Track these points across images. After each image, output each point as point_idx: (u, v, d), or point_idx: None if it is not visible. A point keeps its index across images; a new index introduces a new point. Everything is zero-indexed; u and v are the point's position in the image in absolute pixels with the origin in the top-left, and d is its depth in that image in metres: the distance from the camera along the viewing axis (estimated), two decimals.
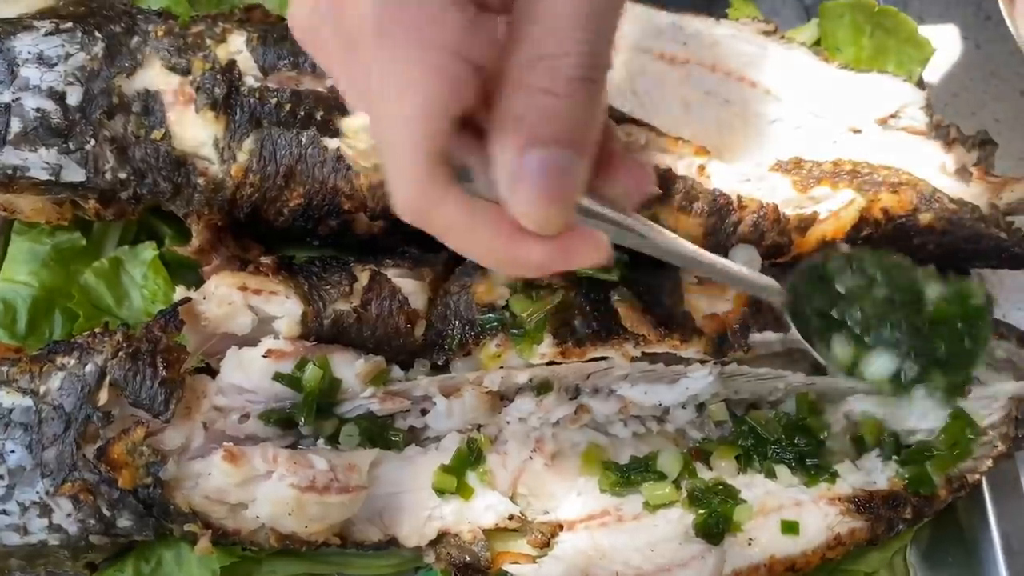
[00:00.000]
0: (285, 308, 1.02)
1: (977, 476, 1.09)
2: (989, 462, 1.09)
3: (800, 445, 1.09)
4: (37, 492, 0.95)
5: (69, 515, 0.96)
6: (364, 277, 1.06)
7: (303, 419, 1.01)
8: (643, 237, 0.71)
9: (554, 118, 0.57)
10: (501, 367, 1.06)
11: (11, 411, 0.97)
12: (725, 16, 1.31)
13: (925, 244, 1.18)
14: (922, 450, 1.09)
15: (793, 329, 0.89)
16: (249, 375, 1.00)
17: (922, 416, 1.11)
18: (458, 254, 1.10)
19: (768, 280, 0.87)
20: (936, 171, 1.22)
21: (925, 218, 1.17)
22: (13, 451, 0.96)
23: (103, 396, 0.96)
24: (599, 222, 0.66)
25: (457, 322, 1.07)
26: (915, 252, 1.19)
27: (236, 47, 1.08)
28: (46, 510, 0.95)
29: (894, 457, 1.10)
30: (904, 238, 1.18)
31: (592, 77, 0.58)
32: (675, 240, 0.76)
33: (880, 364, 0.87)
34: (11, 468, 0.96)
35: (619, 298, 1.07)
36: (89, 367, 0.97)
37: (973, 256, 1.21)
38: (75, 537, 0.96)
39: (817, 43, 1.37)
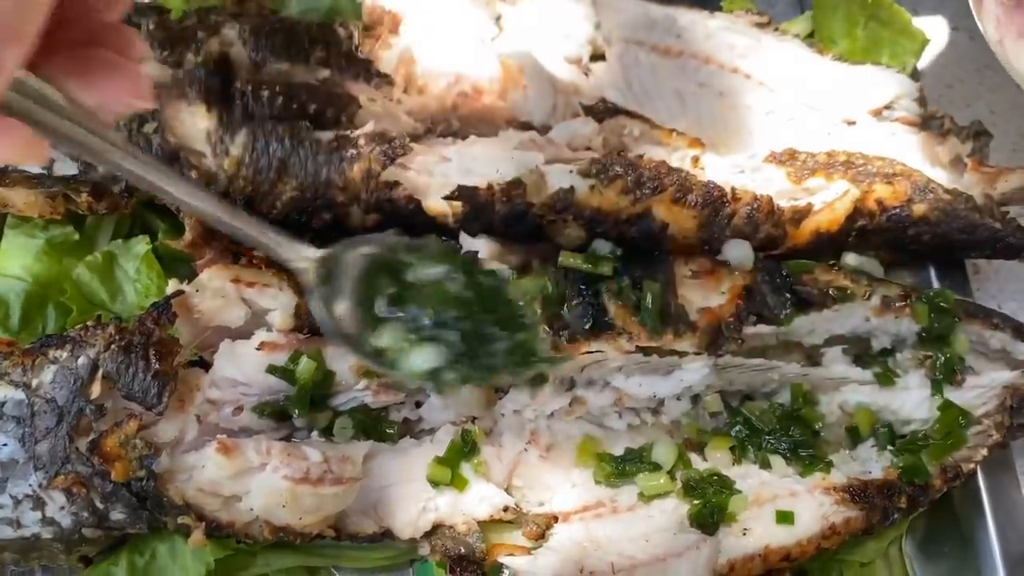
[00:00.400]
0: (278, 300, 1.02)
1: (972, 465, 1.09)
2: (984, 451, 1.09)
3: (795, 435, 1.09)
4: (30, 485, 0.95)
5: (62, 508, 0.95)
6: None
7: (297, 411, 1.01)
8: (107, 154, 0.67)
9: None
10: None
11: (3, 404, 0.97)
12: (719, 9, 1.32)
13: (920, 235, 1.18)
14: (916, 440, 1.09)
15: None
16: (243, 368, 1.00)
17: (916, 406, 1.11)
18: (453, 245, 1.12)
19: (294, 246, 0.83)
20: (930, 162, 1.22)
21: (919, 209, 1.17)
22: (6, 444, 0.96)
23: (96, 389, 0.96)
24: (46, 121, 0.62)
25: None
26: (910, 243, 1.19)
27: (229, 40, 1.08)
28: (39, 503, 0.95)
29: (889, 447, 1.10)
30: (899, 229, 1.18)
31: None
32: (155, 170, 0.71)
33: (422, 358, 0.85)
34: (3, 461, 0.96)
35: (610, 294, 1.07)
36: (82, 360, 0.97)
37: (968, 246, 1.21)
38: (68, 530, 0.96)
39: (811, 35, 1.38)
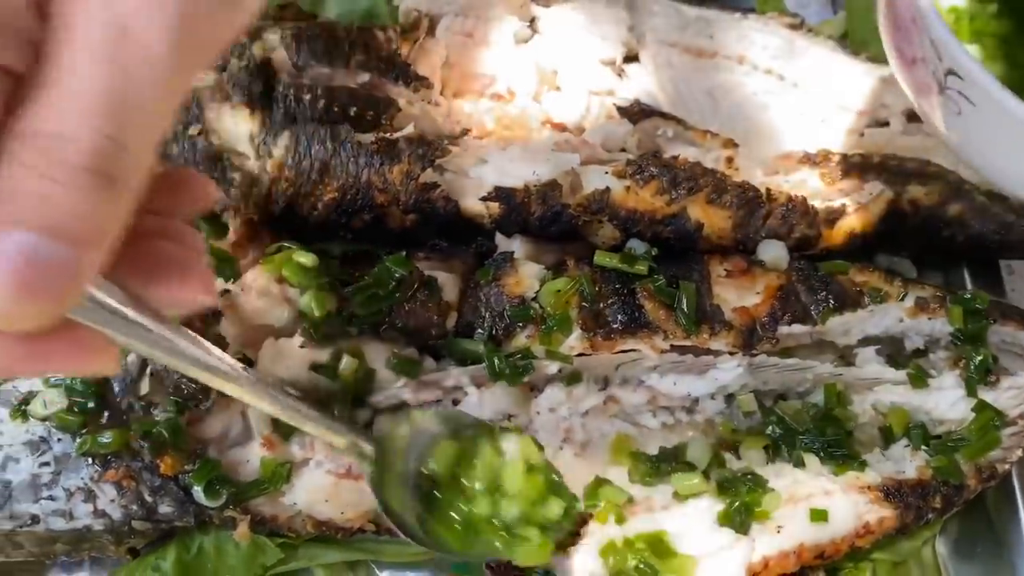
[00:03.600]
0: None
1: (1007, 466, 1.09)
2: (1019, 452, 1.09)
3: (829, 435, 1.09)
4: (82, 478, 0.98)
5: (113, 501, 0.98)
6: None
7: (338, 409, 1.03)
8: (177, 356, 0.65)
9: (49, 206, 0.47)
10: None
11: None
12: (752, 10, 1.32)
13: (954, 236, 1.19)
14: (950, 440, 1.10)
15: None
16: (286, 365, 1.02)
17: (950, 407, 1.12)
18: (488, 248, 1.14)
19: (364, 440, 0.89)
20: (965, 162, 1.22)
21: (954, 209, 1.17)
22: (59, 439, 0.98)
23: (144, 386, 0.99)
24: (116, 327, 0.57)
25: (487, 314, 1.08)
26: (944, 244, 1.20)
27: (271, 44, 1.10)
28: (91, 496, 0.98)
29: (923, 447, 1.10)
30: (933, 230, 1.18)
31: (107, 172, 0.49)
32: (225, 369, 0.71)
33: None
34: (57, 455, 0.99)
35: (646, 293, 1.08)
36: (131, 358, 1.00)
37: (1003, 247, 1.21)
38: (119, 522, 0.99)
39: (844, 36, 1.37)
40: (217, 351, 0.71)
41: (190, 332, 0.67)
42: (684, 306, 1.07)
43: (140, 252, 0.58)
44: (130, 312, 0.58)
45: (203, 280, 0.62)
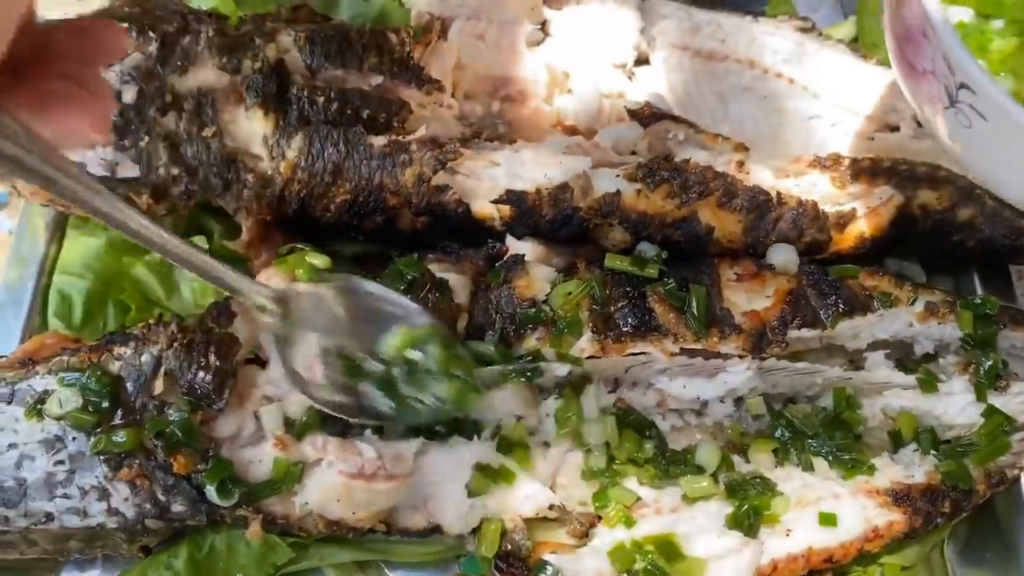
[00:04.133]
0: None
1: (1016, 471, 1.09)
2: None
3: (837, 439, 1.10)
4: (96, 477, 0.99)
5: (126, 499, 0.99)
6: None
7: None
8: (63, 186, 0.70)
9: None
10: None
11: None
12: (763, 14, 1.32)
13: (964, 240, 1.19)
14: (960, 445, 1.10)
15: None
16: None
17: (959, 411, 1.12)
18: (499, 250, 1.14)
19: (251, 284, 0.91)
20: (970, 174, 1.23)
21: (964, 214, 1.17)
22: (74, 438, 0.99)
23: (159, 385, 0.99)
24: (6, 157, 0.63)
25: (498, 316, 1.09)
26: (955, 248, 1.20)
27: (284, 46, 1.11)
28: (104, 494, 0.99)
29: (932, 451, 1.10)
30: (943, 234, 1.19)
31: None
32: (111, 204, 0.76)
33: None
34: (72, 454, 0.99)
35: (656, 296, 1.08)
36: (145, 357, 1.00)
37: (1012, 252, 1.21)
38: (132, 520, 0.99)
39: (855, 40, 1.38)
40: (107, 190, 0.75)
41: (79, 169, 0.70)
42: (694, 309, 1.07)
43: (36, 89, 0.63)
44: (22, 141, 0.64)
45: (95, 117, 0.67)
